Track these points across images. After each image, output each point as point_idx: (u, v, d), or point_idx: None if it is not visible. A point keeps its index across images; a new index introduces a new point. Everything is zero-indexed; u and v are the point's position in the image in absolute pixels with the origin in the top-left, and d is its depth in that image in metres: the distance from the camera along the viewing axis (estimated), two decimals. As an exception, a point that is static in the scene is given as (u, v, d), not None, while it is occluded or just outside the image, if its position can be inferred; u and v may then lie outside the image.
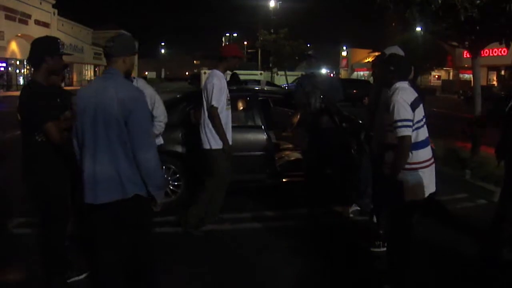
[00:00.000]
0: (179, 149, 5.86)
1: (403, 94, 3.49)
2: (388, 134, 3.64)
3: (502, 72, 40.99)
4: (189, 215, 5.02)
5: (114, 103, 2.87)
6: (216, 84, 4.84)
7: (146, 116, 3.04)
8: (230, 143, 4.97)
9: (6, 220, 4.03)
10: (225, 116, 4.95)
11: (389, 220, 3.81)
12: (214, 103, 4.81)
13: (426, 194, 3.60)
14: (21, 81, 40.79)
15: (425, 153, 3.57)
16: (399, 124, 3.41)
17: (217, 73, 4.99)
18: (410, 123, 3.43)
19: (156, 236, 4.87)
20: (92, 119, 2.93)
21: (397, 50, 4.46)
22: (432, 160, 3.66)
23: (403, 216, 3.61)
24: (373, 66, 4.75)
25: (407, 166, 3.49)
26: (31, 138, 3.37)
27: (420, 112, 3.53)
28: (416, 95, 3.55)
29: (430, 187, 3.63)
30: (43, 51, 3.42)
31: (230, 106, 5.09)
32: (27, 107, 3.34)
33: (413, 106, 3.46)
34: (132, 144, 2.92)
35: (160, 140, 4.93)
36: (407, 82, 3.65)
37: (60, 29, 48.41)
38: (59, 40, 3.56)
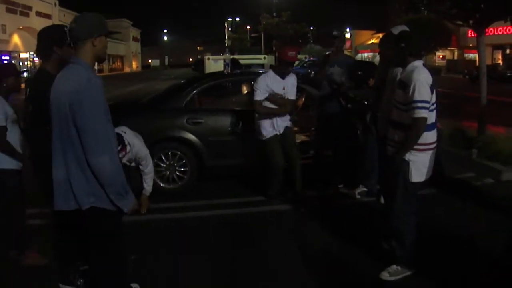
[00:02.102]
0: (185, 134, 5.86)
1: (424, 74, 3.42)
2: (397, 111, 3.59)
3: (507, 51, 40.58)
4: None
5: (64, 98, 2.51)
6: None
7: (93, 113, 2.50)
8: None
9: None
10: None
11: (391, 199, 3.78)
12: None
13: (428, 176, 3.60)
14: (25, 74, 40.60)
15: (433, 136, 3.55)
16: (419, 105, 3.34)
17: None
18: (428, 105, 3.37)
19: (163, 223, 4.95)
20: (53, 116, 2.63)
21: (404, 29, 4.40)
22: (436, 143, 3.64)
23: (405, 195, 3.59)
24: (380, 45, 4.69)
25: (415, 147, 3.46)
26: (43, 127, 3.10)
27: (434, 94, 3.49)
28: (432, 77, 3.50)
29: (431, 170, 3.62)
30: (51, 42, 3.20)
31: None
32: (39, 97, 3.09)
33: (432, 88, 3.41)
34: (83, 147, 2.52)
35: None
36: (422, 61, 3.58)
37: (62, 20, 48.09)
38: (66, 28, 3.04)
